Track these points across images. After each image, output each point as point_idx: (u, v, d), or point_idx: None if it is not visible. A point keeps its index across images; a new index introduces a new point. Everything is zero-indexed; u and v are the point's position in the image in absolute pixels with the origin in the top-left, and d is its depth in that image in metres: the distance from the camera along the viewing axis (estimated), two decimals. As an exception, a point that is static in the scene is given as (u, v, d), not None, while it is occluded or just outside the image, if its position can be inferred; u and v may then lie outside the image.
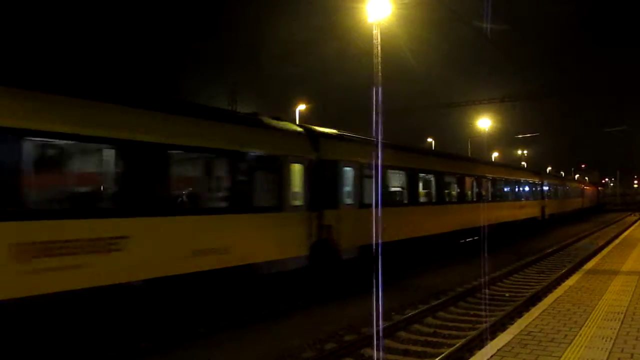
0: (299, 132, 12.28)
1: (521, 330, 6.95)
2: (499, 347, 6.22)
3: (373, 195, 13.50)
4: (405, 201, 15.96)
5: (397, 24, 20.40)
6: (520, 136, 64.85)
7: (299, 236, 11.29)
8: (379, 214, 12.63)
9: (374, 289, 9.73)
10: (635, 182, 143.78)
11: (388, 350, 8.20)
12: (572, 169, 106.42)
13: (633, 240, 19.68)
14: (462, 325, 9.80)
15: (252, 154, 10.27)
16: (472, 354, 7.05)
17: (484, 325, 8.97)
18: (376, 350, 7.96)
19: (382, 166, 13.82)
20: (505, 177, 26.14)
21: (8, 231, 6.50)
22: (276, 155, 10.94)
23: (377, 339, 8.19)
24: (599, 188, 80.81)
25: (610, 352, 5.93)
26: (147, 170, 8.27)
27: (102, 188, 8.21)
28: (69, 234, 7.11)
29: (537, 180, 31.95)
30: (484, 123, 50.94)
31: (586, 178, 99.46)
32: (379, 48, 16.73)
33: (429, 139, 58.53)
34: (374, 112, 12.61)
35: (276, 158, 10.92)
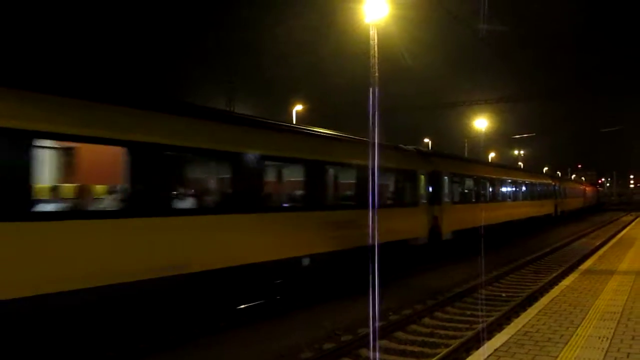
0: (422, 152, 19.13)
1: (518, 330, 6.96)
2: (495, 347, 6.23)
3: (463, 193, 20.55)
4: (474, 200, 21.86)
5: (394, 25, 20.43)
6: (517, 136, 65.06)
7: (425, 223, 16.61)
8: (375, 214, 12.68)
9: (371, 289, 9.73)
10: (632, 182, 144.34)
11: (385, 350, 8.21)
12: (569, 169, 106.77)
13: (630, 239, 19.75)
14: (459, 325, 9.83)
15: (404, 169, 15.97)
16: (469, 354, 7.07)
17: (481, 325, 8.99)
18: (373, 350, 7.97)
19: (464, 175, 20.96)
20: (532, 181, 32.77)
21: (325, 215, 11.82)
22: (414, 169, 16.40)
23: (374, 339, 8.20)
24: (599, 188, 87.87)
25: (606, 352, 5.95)
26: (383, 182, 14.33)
27: (354, 194, 13.11)
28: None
29: (552, 183, 38.31)
30: (481, 123, 51.06)
31: (583, 178, 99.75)
32: (376, 48, 16.76)
33: (426, 139, 58.64)
34: (370, 113, 12.62)
35: (414, 172, 16.38)
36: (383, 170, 13.59)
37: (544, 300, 8.95)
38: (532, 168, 56.03)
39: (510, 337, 6.65)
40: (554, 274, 14.46)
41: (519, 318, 7.97)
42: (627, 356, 5.82)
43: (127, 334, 8.22)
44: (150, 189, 8.10)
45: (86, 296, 7.10)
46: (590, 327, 7.06)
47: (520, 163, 73.77)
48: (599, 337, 6.54)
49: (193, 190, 9.57)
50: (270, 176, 11.26)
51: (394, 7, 18.43)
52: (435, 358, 7.40)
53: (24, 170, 6.72)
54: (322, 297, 11.52)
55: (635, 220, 35.91)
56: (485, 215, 20.76)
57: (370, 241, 11.72)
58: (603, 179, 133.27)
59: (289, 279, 10.96)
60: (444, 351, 7.74)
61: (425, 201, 16.69)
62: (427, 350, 8.25)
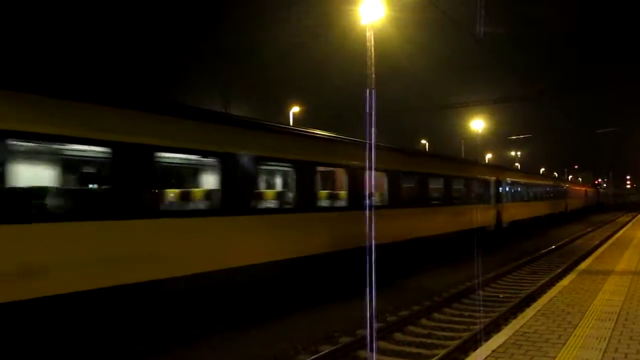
0: (491, 165, 32.86)
1: (515, 331, 6.94)
2: (493, 348, 6.21)
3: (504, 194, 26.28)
4: (519, 200, 29.59)
5: (391, 26, 20.44)
6: (514, 137, 65.18)
7: (493, 216, 23.73)
8: (372, 215, 12.72)
9: (369, 290, 9.70)
10: (628, 182, 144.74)
11: (383, 351, 8.18)
12: (565, 169, 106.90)
13: (627, 240, 19.77)
14: (457, 326, 9.81)
15: (484, 179, 23.38)
16: (466, 355, 7.05)
17: (479, 327, 8.97)
18: (370, 352, 7.94)
19: (514, 182, 28.82)
20: (552, 185, 42.05)
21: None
22: (488, 179, 23.90)
23: (371, 341, 8.17)
24: (599, 190, 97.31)
25: (604, 352, 5.94)
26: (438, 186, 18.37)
27: (460, 195, 20.19)
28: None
29: (563, 186, 47.74)
30: (477, 124, 51.13)
31: (579, 179, 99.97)
32: (372, 50, 16.76)
33: (423, 141, 58.71)
34: (366, 114, 12.61)
35: (488, 180, 23.83)
36: (476, 179, 22.32)
37: (542, 301, 8.94)
38: (529, 169, 56.20)
39: (507, 338, 6.63)
40: (552, 275, 14.46)
41: (516, 319, 7.95)
42: (625, 356, 5.80)
43: (121, 337, 8.18)
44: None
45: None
46: (588, 327, 7.05)
47: (517, 164, 73.88)
48: (597, 338, 6.53)
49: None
50: (407, 183, 15.82)
51: (390, 9, 18.46)
52: (432, 359, 7.37)
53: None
54: (319, 299, 11.50)
55: (632, 221, 35.95)
56: (525, 211, 29.97)
57: (371, 241, 11.69)
58: (599, 180, 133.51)
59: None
60: (441, 352, 7.71)
61: (494, 200, 24.18)
62: (424, 351, 8.22)
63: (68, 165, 9.18)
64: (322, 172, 12.57)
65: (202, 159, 10.20)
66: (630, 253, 15.33)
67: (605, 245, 18.40)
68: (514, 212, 27.16)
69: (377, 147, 13.93)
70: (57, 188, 8.54)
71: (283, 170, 13.32)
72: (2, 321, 6.54)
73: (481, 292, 12.48)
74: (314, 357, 7.72)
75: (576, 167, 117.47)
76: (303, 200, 11.43)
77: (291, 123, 32.80)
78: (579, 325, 7.17)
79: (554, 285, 11.36)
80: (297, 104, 37.89)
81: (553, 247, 22.10)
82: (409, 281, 14.12)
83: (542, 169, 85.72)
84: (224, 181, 9.53)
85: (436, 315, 10.59)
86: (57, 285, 6.92)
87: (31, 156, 8.42)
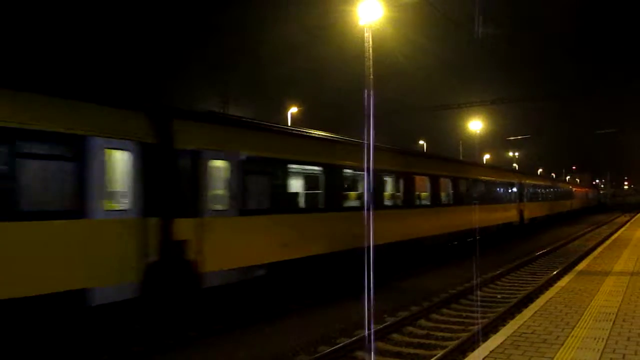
0: (515, 170, 43.04)
1: (513, 332, 6.95)
2: (491, 349, 6.22)
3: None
4: (539, 199, 36.02)
5: (389, 27, 20.44)
6: (512, 138, 65.17)
7: (517, 213, 28.54)
8: (371, 217, 12.75)
9: (366, 292, 9.71)
10: (626, 183, 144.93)
11: (381, 352, 8.19)
12: (563, 170, 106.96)
13: (624, 240, 19.79)
14: (455, 327, 9.81)
15: (511, 182, 28.70)
16: (464, 355, 7.06)
17: (477, 327, 8.98)
18: (368, 353, 7.94)
19: (535, 185, 35.21)
20: (560, 187, 47.99)
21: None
22: (513, 181, 29.02)
23: (370, 342, 8.17)
24: (601, 191, 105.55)
25: (602, 353, 5.95)
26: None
27: (494, 196, 25.89)
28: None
29: (568, 188, 54.86)
30: (476, 125, 51.14)
31: (577, 180, 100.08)
32: (371, 50, 16.76)
33: (421, 142, 58.72)
34: (365, 114, 12.62)
35: (514, 183, 28.98)
36: (506, 183, 28.00)
37: (540, 302, 8.95)
38: (526, 170, 56.31)
39: (506, 339, 6.63)
40: (550, 275, 14.48)
41: (514, 319, 7.96)
42: (623, 357, 5.81)
43: (120, 338, 8.18)
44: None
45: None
46: (585, 328, 7.06)
47: (515, 165, 73.96)
48: (595, 338, 6.54)
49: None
50: (444, 186, 19.21)
51: (388, 9, 18.44)
52: (431, 360, 7.38)
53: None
54: (317, 300, 11.50)
55: (630, 222, 36.01)
56: (543, 208, 36.40)
57: (368, 242, 11.74)
58: (597, 181, 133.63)
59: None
60: (439, 353, 7.72)
61: (516, 199, 28.99)
62: (423, 352, 8.22)
63: None
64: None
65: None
66: (628, 253, 15.35)
67: (603, 246, 18.43)
68: (535, 210, 33.90)
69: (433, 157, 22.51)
70: None
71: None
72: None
73: (479, 293, 12.50)
74: (312, 357, 7.73)
75: (574, 167, 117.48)
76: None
77: (289, 123, 32.80)
78: (577, 325, 7.18)
79: (552, 285, 11.37)
80: (295, 104, 37.86)
81: (551, 248, 22.12)
82: (408, 282, 14.13)
83: (540, 170, 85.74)
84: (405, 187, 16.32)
85: (434, 315, 10.61)
86: None
87: None
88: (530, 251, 20.64)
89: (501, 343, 6.46)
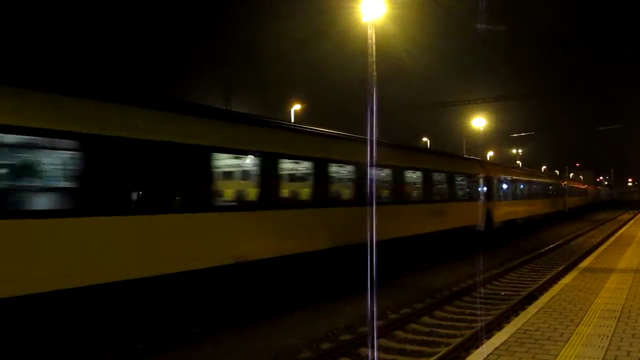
0: (556, 175, 59.74)
1: (518, 329, 6.93)
2: (495, 346, 6.20)
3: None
4: (568, 195, 46.29)
5: (392, 24, 20.37)
6: (515, 135, 65.03)
7: (561, 203, 42.40)
8: (374, 213, 12.66)
9: (369, 288, 9.70)
10: (629, 181, 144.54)
11: (384, 349, 8.18)
12: (566, 167, 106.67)
13: (628, 238, 19.73)
14: (459, 324, 9.80)
15: (556, 183, 44.63)
16: (468, 353, 7.04)
17: (480, 324, 8.96)
18: (372, 349, 7.93)
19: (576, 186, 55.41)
20: (582, 186, 60.38)
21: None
22: (558, 183, 44.22)
23: (373, 339, 8.16)
24: (612, 190, 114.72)
25: (607, 350, 5.93)
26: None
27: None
28: None
29: (584, 186, 65.16)
30: (479, 122, 51.00)
31: (580, 177, 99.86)
32: (374, 47, 16.72)
33: (424, 139, 58.62)
34: (368, 112, 12.58)
35: (558, 184, 43.47)
36: (552, 184, 37.16)
37: (544, 299, 8.92)
38: (530, 167, 56.19)
39: (510, 336, 6.62)
40: (554, 272, 14.44)
41: (518, 317, 7.95)
42: (628, 354, 5.79)
43: (124, 335, 8.18)
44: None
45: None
46: (590, 325, 7.04)
47: (518, 162, 73.79)
48: (599, 336, 6.52)
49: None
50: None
51: (391, 6, 18.39)
52: (434, 357, 7.36)
53: None
54: (320, 297, 11.49)
55: (634, 219, 35.90)
56: (576, 201, 46.00)
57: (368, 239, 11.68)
58: (601, 178, 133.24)
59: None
60: (443, 350, 7.70)
61: (560, 196, 36.89)
62: (426, 349, 8.21)
63: None
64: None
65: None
66: (632, 251, 15.30)
67: (607, 243, 18.37)
68: (575, 201, 45.75)
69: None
70: None
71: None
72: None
73: (482, 290, 12.49)
74: (316, 354, 7.73)
75: (577, 164, 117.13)
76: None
77: (292, 120, 32.77)
78: (581, 323, 7.16)
79: (556, 283, 11.34)
80: (298, 101, 37.84)
81: (554, 244, 22.08)
82: (411, 279, 14.12)
83: (544, 167, 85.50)
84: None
85: (438, 312, 10.60)
86: None
87: None
88: (534, 248, 20.60)
89: (505, 340, 6.44)
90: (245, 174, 11.58)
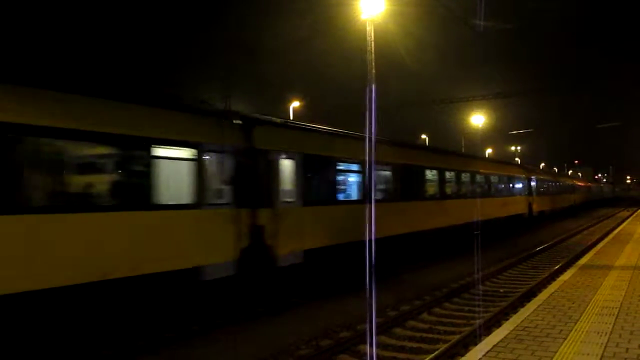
0: (568, 175, 76.54)
1: (516, 326, 6.94)
2: (494, 343, 6.20)
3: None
4: (578, 193, 54.70)
5: (391, 21, 20.33)
6: (514, 132, 65.01)
7: (573, 200, 48.78)
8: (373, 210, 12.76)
9: (368, 286, 9.71)
10: (628, 178, 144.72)
11: (383, 346, 8.19)
12: (565, 164, 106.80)
13: (627, 235, 19.76)
14: (458, 321, 9.81)
15: (570, 182, 54.35)
16: (467, 350, 7.05)
17: (479, 321, 8.97)
18: (371, 346, 7.94)
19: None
20: (590, 185, 65.26)
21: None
22: (570, 183, 52.63)
23: (372, 336, 8.17)
24: (615, 187, 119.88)
25: (605, 347, 5.94)
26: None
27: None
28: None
29: (589, 184, 68.19)
30: (478, 119, 50.98)
31: (579, 174, 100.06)
32: (373, 44, 16.70)
33: (423, 136, 58.61)
34: (367, 109, 12.57)
35: (570, 184, 51.84)
36: (567, 184, 44.37)
37: (543, 296, 8.94)
38: (529, 164, 56.25)
39: (508, 333, 6.62)
40: (552, 269, 14.47)
41: (517, 314, 7.96)
42: (626, 351, 5.79)
43: (123, 332, 8.19)
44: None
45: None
46: (588, 322, 7.05)
47: (517, 159, 73.82)
48: (598, 332, 6.53)
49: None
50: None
51: (390, 3, 18.34)
52: (433, 354, 7.37)
53: None
54: (319, 294, 11.50)
55: (633, 216, 35.96)
56: (584, 197, 49.27)
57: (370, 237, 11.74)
58: (600, 175, 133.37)
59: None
60: (442, 347, 7.71)
61: (570, 193, 41.00)
62: (425, 346, 8.23)
63: None
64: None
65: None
66: (630, 248, 15.32)
67: (605, 240, 18.39)
68: (582, 197, 49.72)
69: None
70: None
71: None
72: None
73: (481, 287, 12.51)
74: (315, 351, 7.74)
75: (577, 162, 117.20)
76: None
77: (291, 117, 32.75)
78: (580, 319, 7.17)
79: (555, 280, 11.36)
80: (297, 99, 37.76)
81: (554, 241, 22.12)
82: (410, 276, 14.14)
83: (542, 164, 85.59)
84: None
85: (437, 309, 10.61)
86: None
87: None
88: (533, 245, 20.63)
89: (504, 337, 6.44)
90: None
